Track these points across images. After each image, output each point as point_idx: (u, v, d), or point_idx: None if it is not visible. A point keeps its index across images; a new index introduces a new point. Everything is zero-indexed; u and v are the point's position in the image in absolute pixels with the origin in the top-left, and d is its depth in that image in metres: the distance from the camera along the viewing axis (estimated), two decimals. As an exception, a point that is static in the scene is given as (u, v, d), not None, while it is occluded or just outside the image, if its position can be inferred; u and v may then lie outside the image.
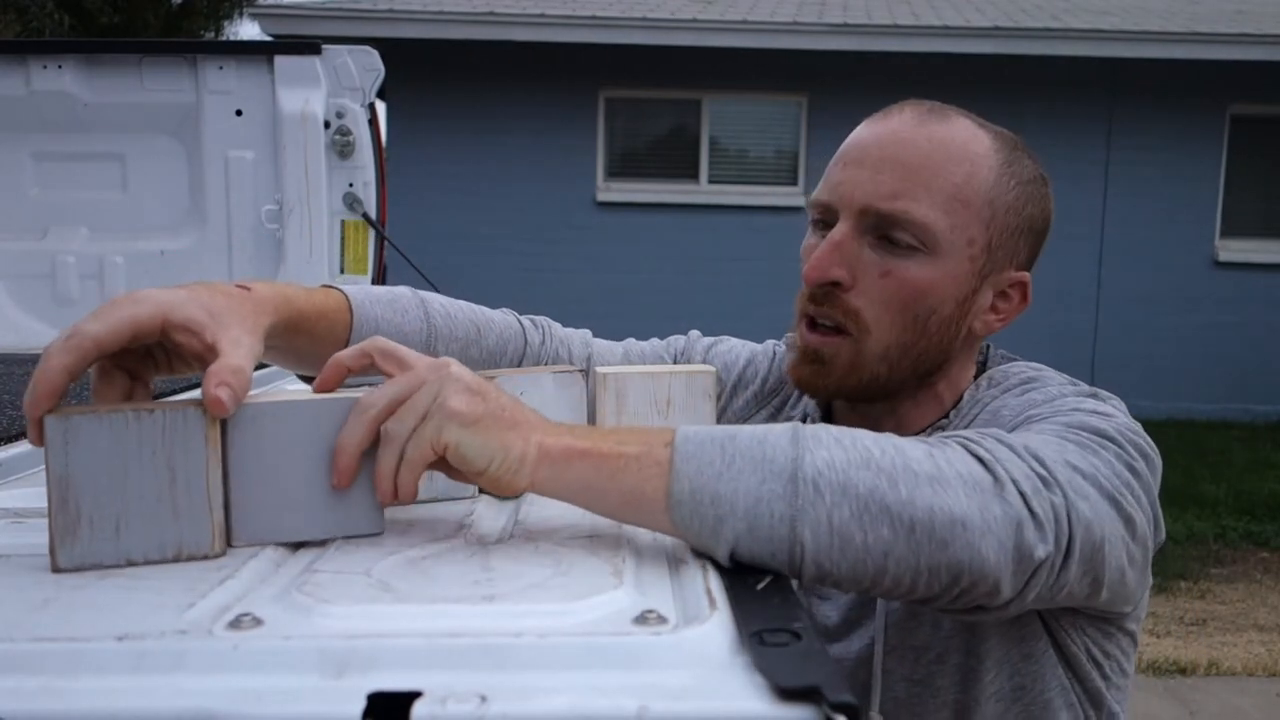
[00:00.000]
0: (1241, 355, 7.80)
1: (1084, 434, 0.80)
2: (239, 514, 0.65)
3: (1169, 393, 7.71)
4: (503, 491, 0.67)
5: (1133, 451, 0.81)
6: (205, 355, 0.68)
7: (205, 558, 0.63)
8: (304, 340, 0.87)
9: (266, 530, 0.65)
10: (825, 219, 0.94)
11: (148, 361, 0.72)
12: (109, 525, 0.61)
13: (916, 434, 0.97)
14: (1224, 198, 7.83)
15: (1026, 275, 0.97)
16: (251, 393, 0.66)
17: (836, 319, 0.92)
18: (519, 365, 1.05)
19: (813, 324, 0.94)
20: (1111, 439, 0.81)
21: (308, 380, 0.94)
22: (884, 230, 0.90)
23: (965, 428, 0.95)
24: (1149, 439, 0.85)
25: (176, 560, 0.62)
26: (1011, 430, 0.85)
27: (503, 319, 1.07)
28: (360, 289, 0.96)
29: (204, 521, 0.63)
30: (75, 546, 0.61)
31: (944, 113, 0.93)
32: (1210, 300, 7.79)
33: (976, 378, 1.01)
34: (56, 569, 0.61)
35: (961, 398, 0.98)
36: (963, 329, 0.95)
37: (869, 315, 0.91)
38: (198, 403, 0.63)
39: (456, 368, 0.68)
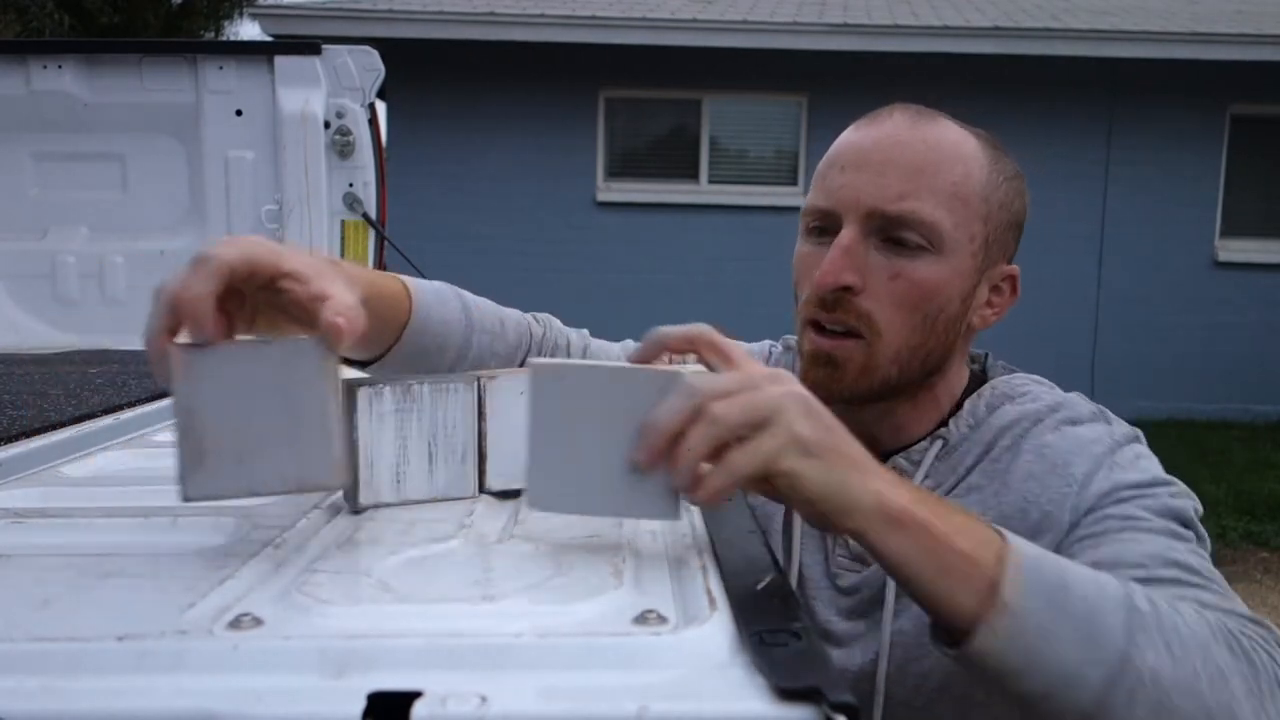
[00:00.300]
0: (1241, 355, 7.79)
1: (1179, 529, 0.82)
2: (536, 478, 0.63)
3: (1169, 393, 7.71)
4: (821, 527, 0.65)
5: (1200, 526, 0.84)
6: (308, 304, 0.65)
7: (326, 488, 0.63)
8: (372, 321, 0.86)
9: (560, 499, 0.64)
10: (824, 225, 0.94)
11: (241, 312, 0.69)
12: (232, 456, 0.61)
13: (916, 441, 0.98)
14: (1224, 198, 7.83)
15: (1016, 268, 0.99)
16: None
17: (849, 324, 0.92)
18: (530, 356, 1.06)
19: (820, 329, 0.94)
20: (1189, 523, 0.84)
21: (352, 364, 0.92)
22: (891, 232, 0.90)
23: (984, 456, 0.94)
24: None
25: (300, 491, 0.62)
26: (1092, 507, 0.85)
27: (513, 313, 1.08)
28: (411, 279, 0.96)
29: (323, 452, 0.62)
30: (201, 476, 0.61)
31: (932, 115, 0.95)
32: (1210, 300, 7.78)
33: (972, 386, 1.01)
34: (186, 498, 0.61)
35: (961, 406, 0.98)
36: (963, 325, 0.96)
37: (880, 318, 0.91)
38: (315, 337, 0.63)
39: (798, 384, 0.64)
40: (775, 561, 0.67)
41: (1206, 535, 0.86)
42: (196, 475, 0.61)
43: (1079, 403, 0.96)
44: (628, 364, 0.67)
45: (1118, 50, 7.31)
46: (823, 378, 0.94)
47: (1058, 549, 0.85)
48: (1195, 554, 0.80)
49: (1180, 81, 7.51)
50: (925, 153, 0.91)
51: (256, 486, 0.62)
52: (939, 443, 0.96)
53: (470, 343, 0.99)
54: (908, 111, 0.94)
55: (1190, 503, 0.86)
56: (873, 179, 0.90)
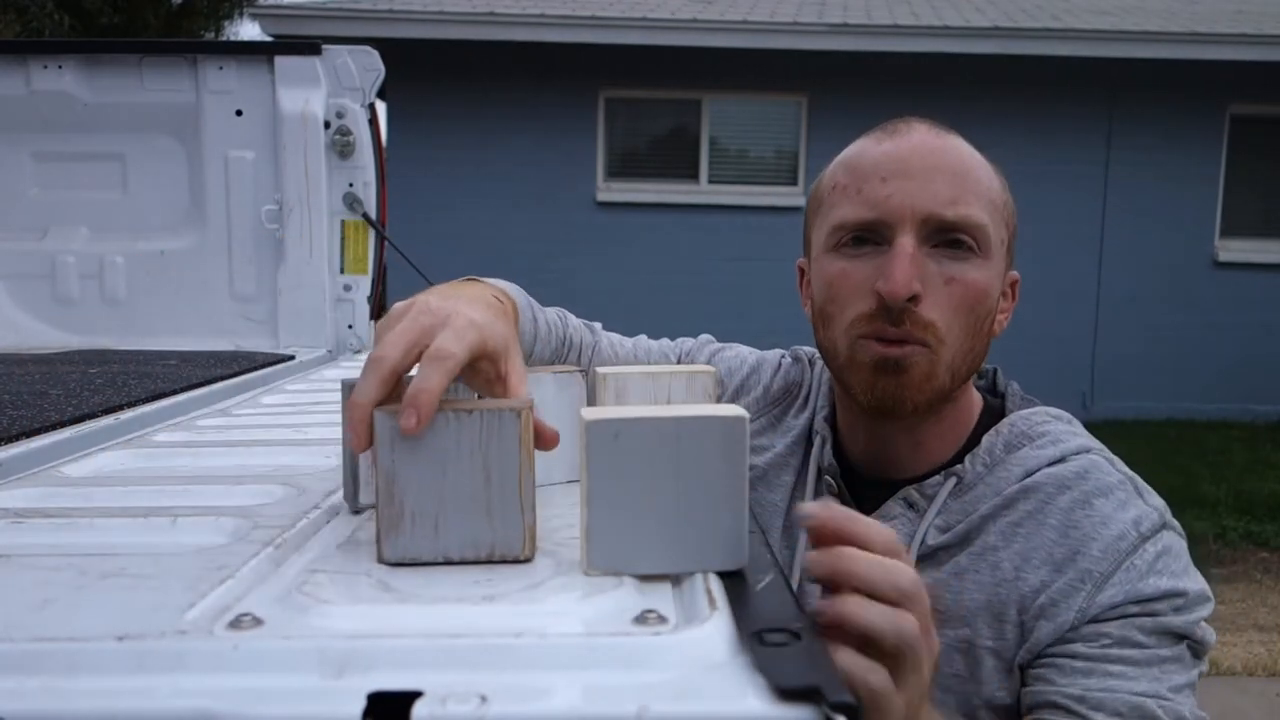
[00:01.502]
0: (1241, 355, 7.79)
1: (1168, 653, 0.85)
2: (597, 538, 0.60)
3: (1169, 393, 7.71)
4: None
5: (1198, 633, 0.86)
6: (495, 383, 0.69)
7: (516, 560, 0.63)
8: None
9: (621, 557, 0.61)
10: (866, 237, 0.93)
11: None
12: (429, 522, 0.62)
13: (931, 471, 0.97)
14: (1224, 198, 7.83)
15: (1018, 274, 1.02)
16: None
17: (916, 335, 0.90)
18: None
19: (882, 340, 0.92)
20: (1185, 636, 0.86)
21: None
22: (945, 237, 0.91)
23: (1002, 511, 0.93)
24: (1204, 585, 0.89)
25: (489, 561, 0.62)
26: (1097, 617, 0.86)
27: (573, 322, 1.15)
28: (517, 290, 1.00)
29: (516, 524, 0.63)
30: (399, 540, 0.62)
31: (945, 126, 0.96)
32: (1210, 300, 7.78)
33: (987, 415, 1.00)
34: (382, 560, 0.62)
35: (977, 438, 0.97)
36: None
37: (942, 325, 0.91)
38: (513, 407, 0.63)
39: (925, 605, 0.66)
40: (775, 561, 0.67)
41: (1207, 638, 0.87)
42: (395, 539, 0.62)
43: (1105, 467, 0.94)
44: (686, 406, 0.65)
45: (1118, 50, 7.31)
46: (892, 386, 0.92)
47: (1052, 641, 0.87)
48: (1181, 691, 0.84)
49: (1180, 81, 7.52)
50: (962, 159, 0.92)
51: (451, 554, 0.62)
52: (953, 480, 0.96)
53: (563, 356, 1.08)
54: (924, 122, 0.95)
55: (1196, 614, 0.86)
56: (922, 186, 0.90)
